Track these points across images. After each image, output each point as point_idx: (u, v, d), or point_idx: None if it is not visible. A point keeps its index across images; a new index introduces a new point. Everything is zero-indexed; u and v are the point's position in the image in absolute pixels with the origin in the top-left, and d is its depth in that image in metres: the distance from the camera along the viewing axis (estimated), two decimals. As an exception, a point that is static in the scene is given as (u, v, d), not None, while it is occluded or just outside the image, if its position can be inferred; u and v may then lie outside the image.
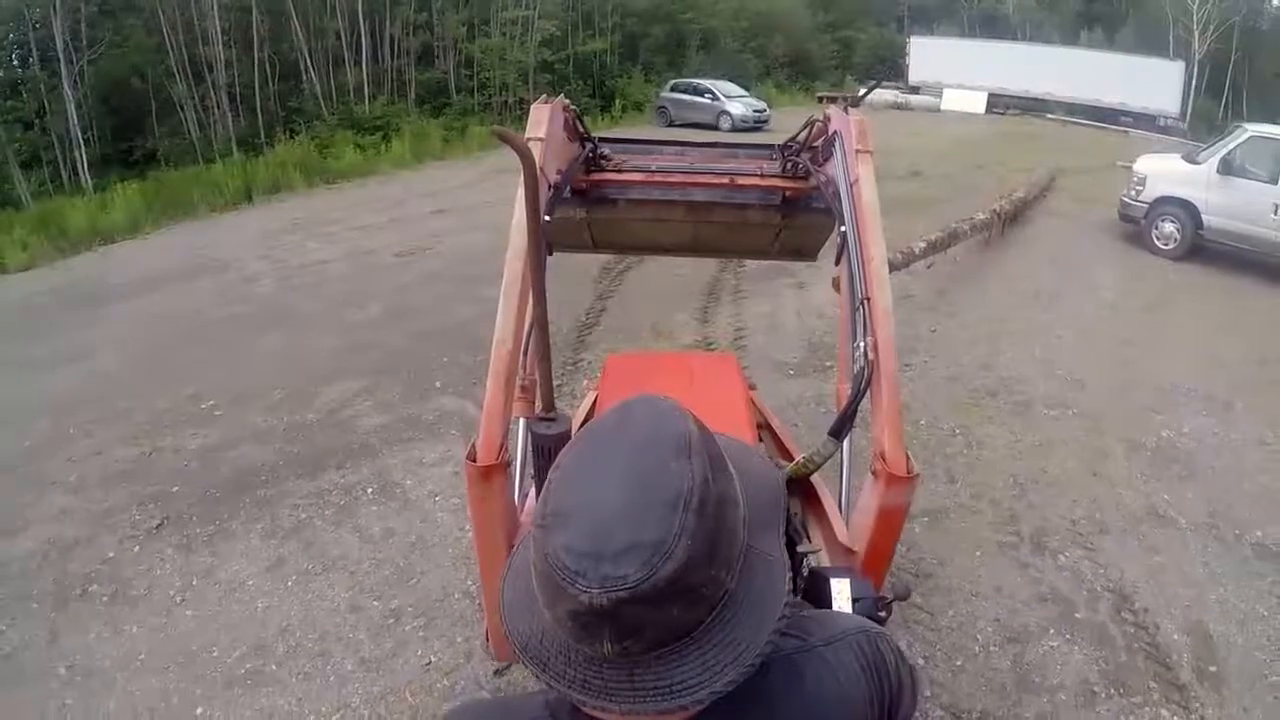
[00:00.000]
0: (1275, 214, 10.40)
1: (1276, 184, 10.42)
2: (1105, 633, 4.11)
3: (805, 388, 6.70)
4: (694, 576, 0.77)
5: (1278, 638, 4.19)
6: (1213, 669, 3.95)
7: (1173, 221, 11.36)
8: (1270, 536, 5.02)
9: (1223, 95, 38.40)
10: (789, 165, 3.69)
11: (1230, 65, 38.24)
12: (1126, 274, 10.66)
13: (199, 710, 3.62)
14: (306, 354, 7.58)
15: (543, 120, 2.92)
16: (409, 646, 3.90)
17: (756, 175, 3.79)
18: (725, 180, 3.75)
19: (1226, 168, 10.82)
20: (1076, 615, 4.22)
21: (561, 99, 3.20)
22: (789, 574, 0.88)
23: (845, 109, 3.12)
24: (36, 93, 19.66)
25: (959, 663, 3.79)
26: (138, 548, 4.81)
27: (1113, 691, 3.75)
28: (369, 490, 5.26)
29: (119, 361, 7.77)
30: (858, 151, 2.88)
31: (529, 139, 2.70)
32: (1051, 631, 4.08)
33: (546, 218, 2.53)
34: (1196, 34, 37.04)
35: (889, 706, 1.05)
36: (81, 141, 19.47)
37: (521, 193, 2.19)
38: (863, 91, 4.07)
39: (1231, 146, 11.00)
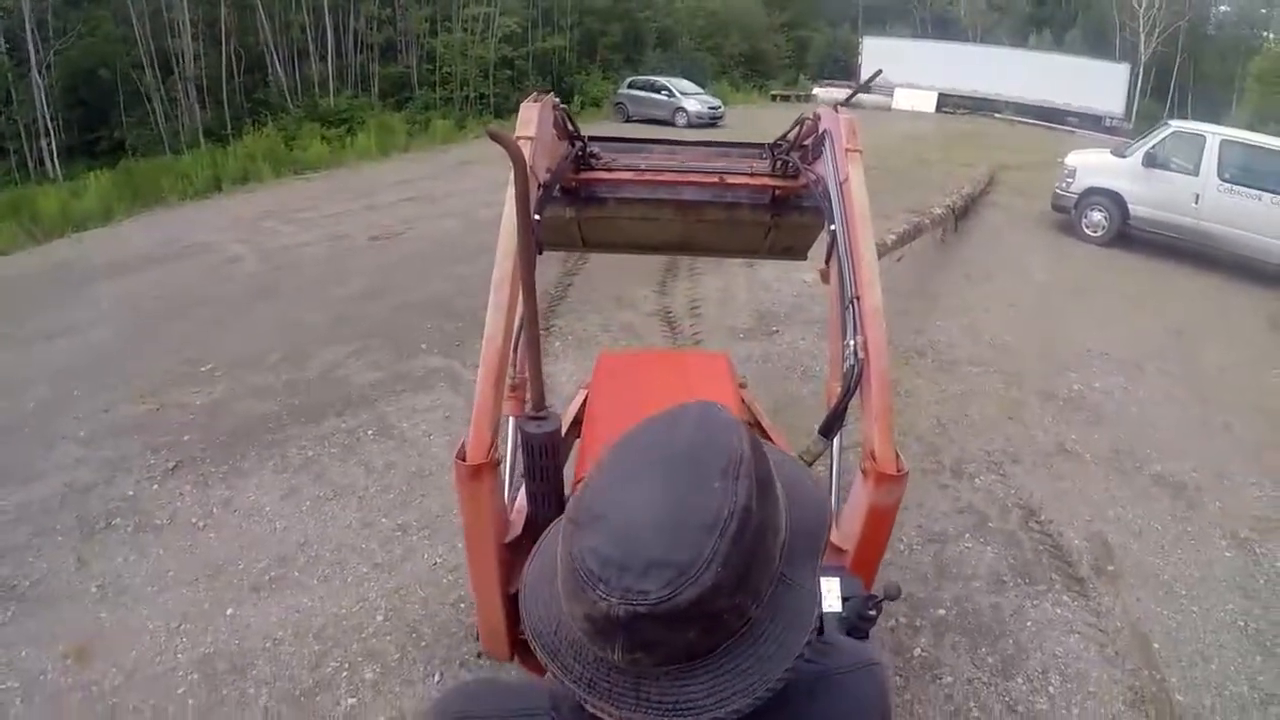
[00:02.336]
0: (1196, 203, 11.23)
1: (1197, 175, 11.23)
2: (1014, 538, 4.81)
3: (753, 348, 7.40)
4: (718, 603, 0.76)
5: (1170, 547, 4.90)
6: (1110, 568, 4.65)
7: (1101, 211, 12.17)
8: (1168, 470, 5.76)
9: (1168, 97, 39.60)
10: (779, 164, 3.68)
11: (1175, 68, 39.53)
12: (1056, 258, 11.41)
13: (229, 611, 4.12)
14: (296, 324, 8.01)
15: (532, 119, 2.92)
16: (417, 552, 4.46)
17: (746, 174, 3.78)
18: (715, 179, 3.72)
19: (1151, 161, 11.62)
20: (989, 524, 4.92)
21: (551, 97, 3.21)
22: (819, 605, 0.87)
23: (835, 108, 3.14)
24: (3, 82, 19.72)
25: (887, 558, 4.41)
26: (156, 486, 5.27)
27: (1020, 581, 4.45)
28: (369, 432, 5.78)
29: (112, 334, 8.08)
30: (848, 150, 2.91)
31: (518, 137, 2.70)
32: (967, 536, 4.78)
33: (536, 217, 2.55)
34: (1143, 37, 38.31)
35: None
36: (51, 131, 19.56)
37: (511, 192, 2.21)
38: (849, 94, 4.30)
39: (1155, 141, 11.83)
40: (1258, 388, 7.42)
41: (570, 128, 3.50)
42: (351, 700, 3.55)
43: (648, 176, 3.71)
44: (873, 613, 1.66)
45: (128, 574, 4.46)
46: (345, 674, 3.68)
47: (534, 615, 0.87)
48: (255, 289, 9.32)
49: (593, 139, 3.82)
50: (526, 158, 2.26)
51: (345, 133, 21.44)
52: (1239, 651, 4.11)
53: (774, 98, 36.84)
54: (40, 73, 19.32)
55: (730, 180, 3.71)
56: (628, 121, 26.83)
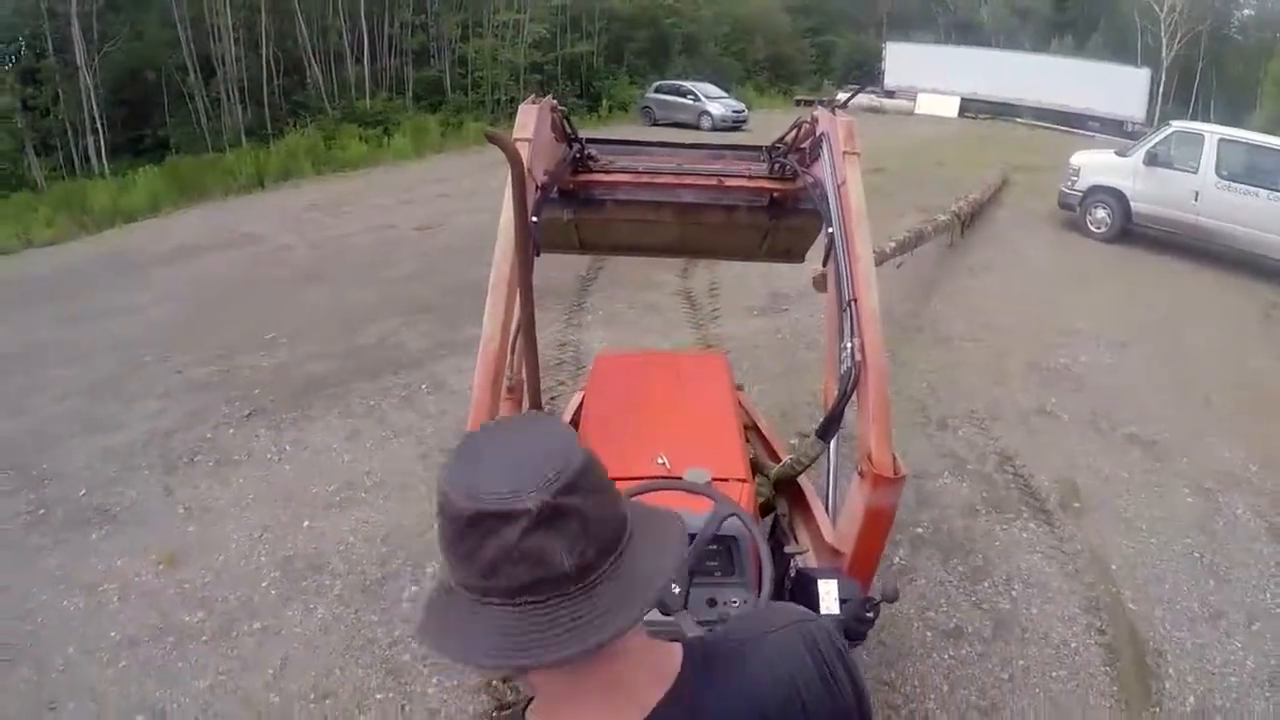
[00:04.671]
0: (1195, 200, 11.65)
1: (1197, 173, 11.68)
2: (989, 478, 5.44)
3: (765, 324, 8.11)
4: (596, 475, 0.85)
5: (1136, 492, 5.48)
6: (1076, 505, 5.25)
7: (1104, 208, 12.62)
8: (1142, 431, 6.31)
9: (1190, 100, 39.59)
10: (777, 166, 3.68)
11: (1197, 71, 39.55)
12: (1058, 252, 11.92)
13: (306, 524, 4.84)
14: (348, 302, 8.76)
15: (530, 121, 2.94)
16: (470, 478, 5.15)
17: (744, 176, 3.77)
18: (713, 181, 3.71)
19: (1152, 159, 12.06)
20: (967, 466, 5.55)
21: (549, 99, 3.25)
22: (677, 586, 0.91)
23: (833, 111, 3.18)
24: (52, 82, 20.61)
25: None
26: (232, 430, 6.00)
27: (991, 511, 5.08)
28: (423, 387, 6.50)
29: (176, 310, 8.86)
30: (845, 153, 2.92)
31: (516, 139, 2.70)
32: (946, 474, 5.42)
33: (534, 219, 2.57)
34: (1165, 42, 38.35)
35: (854, 695, 1.04)
36: (101, 128, 20.44)
37: (509, 194, 2.28)
38: (845, 96, 4.34)
39: (1156, 140, 12.32)
40: (1242, 369, 7.85)
41: (568, 130, 3.54)
42: (414, 588, 4.24)
43: (645, 179, 3.73)
44: (870, 615, 1.72)
45: (211, 498, 5.18)
46: (409, 568, 4.38)
47: (444, 637, 0.86)
48: (307, 272, 10.07)
49: (590, 141, 3.84)
50: (524, 160, 2.31)
51: (381, 133, 22.25)
52: (1192, 576, 4.66)
53: (798, 102, 37.22)
54: (86, 74, 20.14)
55: (728, 183, 3.74)
56: (654, 125, 27.42)
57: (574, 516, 0.80)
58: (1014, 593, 4.36)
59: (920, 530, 4.77)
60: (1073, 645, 4.06)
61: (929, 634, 4.02)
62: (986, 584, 4.41)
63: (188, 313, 8.78)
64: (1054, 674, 3.87)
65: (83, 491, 5.31)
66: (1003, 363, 7.41)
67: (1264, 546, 5.01)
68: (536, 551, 0.79)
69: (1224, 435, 6.38)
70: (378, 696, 3.63)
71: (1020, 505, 5.15)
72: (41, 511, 5.13)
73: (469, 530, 0.81)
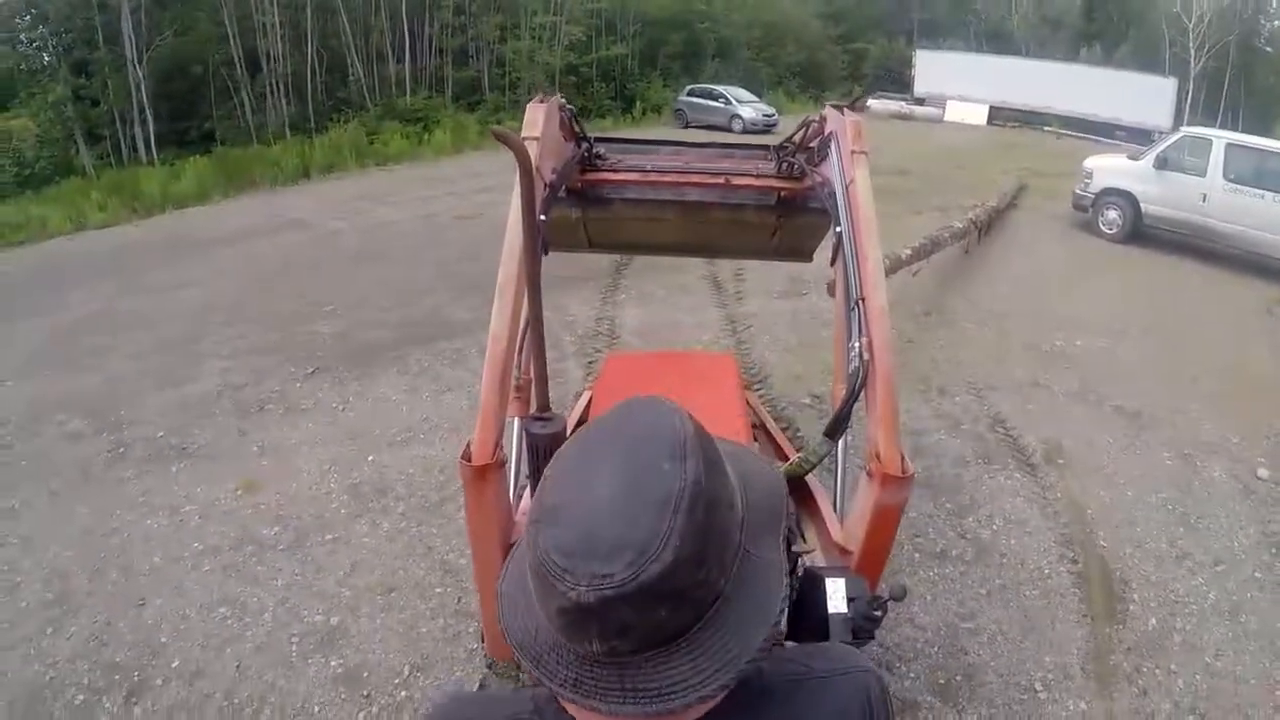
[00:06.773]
0: (1204, 202, 12.11)
1: (1205, 176, 12.14)
2: (981, 436, 6.00)
3: (785, 305, 8.71)
4: (682, 579, 0.76)
5: (1118, 453, 5.98)
6: (1060, 461, 5.78)
7: (1116, 209, 13.13)
8: (1130, 404, 6.79)
9: (1219, 110, 39.53)
10: (785, 165, 3.68)
11: (1226, 82, 39.59)
12: (1069, 251, 12.39)
13: (370, 458, 5.48)
14: (399, 280, 9.44)
15: (538, 120, 2.93)
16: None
17: (752, 175, 3.77)
18: (720, 180, 3.70)
19: (1162, 163, 12.56)
20: (962, 426, 6.11)
21: (558, 98, 3.26)
22: (787, 578, 0.89)
23: (842, 110, 3.21)
24: (102, 73, 21.50)
25: (875, 435, 5.66)
26: (299, 384, 6.66)
27: (980, 462, 5.64)
28: (473, 351, 7.06)
29: (236, 285, 9.53)
30: (853, 153, 2.91)
31: (524, 138, 2.70)
32: (941, 432, 5.99)
33: (542, 217, 2.57)
34: (1193, 52, 38.50)
35: None
36: (148, 119, 21.33)
37: (517, 192, 2.28)
38: (859, 98, 4.43)
39: (1166, 144, 12.82)
40: (1236, 357, 8.24)
41: (576, 128, 3.56)
42: (470, 509, 4.84)
43: (653, 177, 3.70)
44: (878, 613, 1.71)
45: (283, 438, 5.82)
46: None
47: (513, 624, 0.87)
48: (359, 254, 10.78)
49: (599, 140, 3.85)
50: (533, 158, 2.32)
51: (422, 130, 23.06)
52: (1163, 523, 5.16)
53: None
54: (136, 66, 21.01)
55: (735, 182, 3.71)
56: (686, 127, 28.04)
57: (623, 619, 0.76)
58: (995, 527, 4.92)
59: (913, 474, 5.31)
60: (1046, 571, 4.60)
61: (917, 554, 4.59)
62: (971, 519, 4.97)
63: (247, 287, 9.43)
64: (1027, 593, 4.42)
65: (160, 433, 5.94)
66: (1004, 344, 7.93)
67: (1237, 504, 5.47)
68: (568, 631, 0.79)
69: (1210, 411, 6.81)
70: (437, 590, 4.24)
71: (1007, 459, 5.70)
72: (122, 450, 5.73)
73: (537, 578, 0.81)
